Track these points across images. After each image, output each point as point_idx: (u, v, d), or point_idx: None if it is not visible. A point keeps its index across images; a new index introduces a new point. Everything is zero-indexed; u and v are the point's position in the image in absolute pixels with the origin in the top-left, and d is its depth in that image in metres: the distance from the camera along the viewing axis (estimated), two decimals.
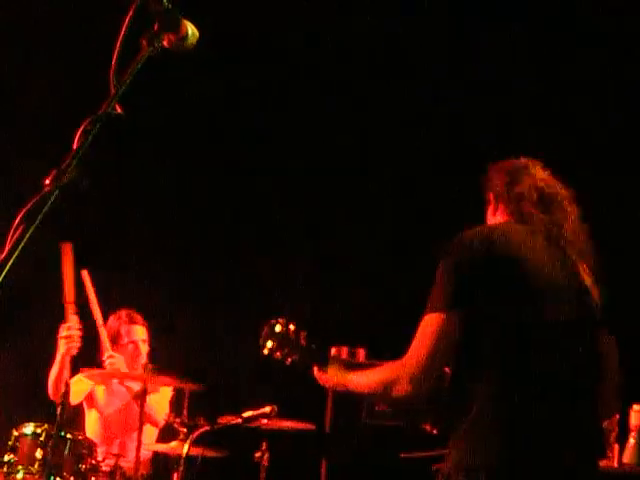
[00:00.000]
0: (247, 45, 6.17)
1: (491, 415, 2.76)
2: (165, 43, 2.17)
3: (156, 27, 2.15)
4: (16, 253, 1.82)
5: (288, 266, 6.29)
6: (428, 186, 6.08)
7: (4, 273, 1.80)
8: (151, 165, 6.37)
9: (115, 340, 5.52)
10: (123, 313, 5.59)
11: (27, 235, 1.83)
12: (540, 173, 3.09)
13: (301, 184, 6.38)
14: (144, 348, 5.55)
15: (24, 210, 1.86)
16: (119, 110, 2.04)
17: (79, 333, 5.20)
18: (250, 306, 6.05)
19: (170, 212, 6.48)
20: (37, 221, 1.85)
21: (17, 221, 1.84)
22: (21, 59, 6.14)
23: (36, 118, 6.10)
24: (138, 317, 5.60)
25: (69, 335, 5.17)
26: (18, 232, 1.83)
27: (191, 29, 2.20)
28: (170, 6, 2.15)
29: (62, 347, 5.21)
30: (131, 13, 2.11)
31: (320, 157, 6.29)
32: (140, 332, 5.57)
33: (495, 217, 3.09)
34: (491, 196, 3.12)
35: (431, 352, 2.79)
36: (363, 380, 3.03)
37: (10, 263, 1.81)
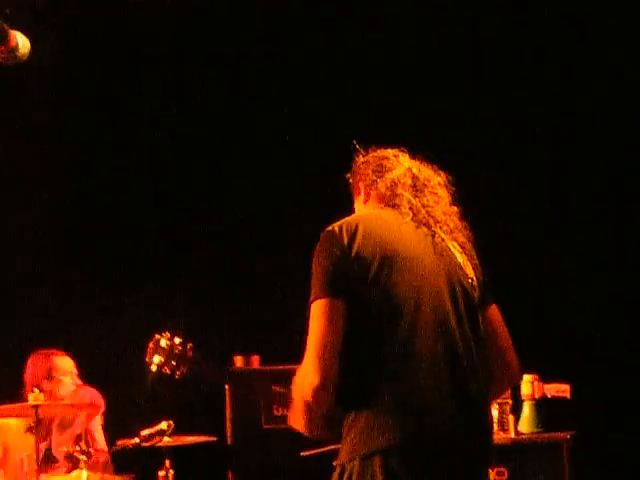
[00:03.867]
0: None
1: (377, 402, 2.78)
2: None
3: None
4: None
5: (174, 279, 6.24)
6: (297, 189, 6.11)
7: None
8: None
9: (49, 375, 5.42)
10: (46, 352, 5.50)
11: None
12: (410, 160, 3.15)
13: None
14: (75, 379, 5.47)
15: None
16: None
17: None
18: (137, 320, 5.96)
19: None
20: None
21: None
22: None
23: None
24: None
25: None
26: None
27: (21, 40, 2.13)
28: None
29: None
30: None
31: None
32: (69, 364, 5.51)
33: (366, 206, 3.13)
34: (361, 185, 3.15)
35: (322, 352, 2.78)
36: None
37: None
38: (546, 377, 5.23)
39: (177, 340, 3.20)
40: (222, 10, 6.15)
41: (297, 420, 2.86)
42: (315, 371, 2.77)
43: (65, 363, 5.52)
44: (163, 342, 3.18)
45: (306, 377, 2.79)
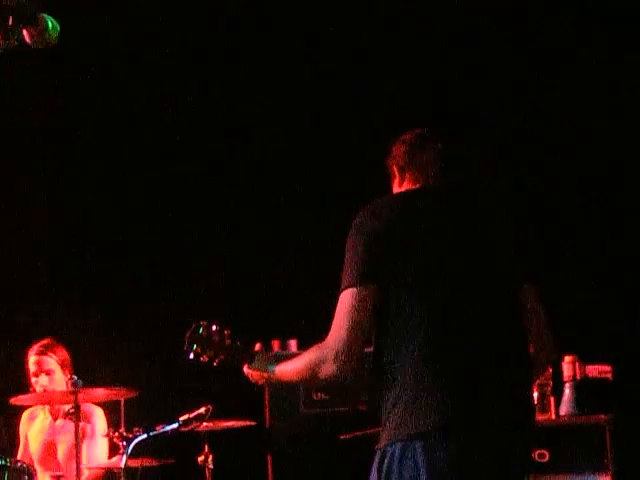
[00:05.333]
0: None
1: (417, 385, 2.78)
2: (26, 38, 2.08)
3: (11, 21, 2.07)
4: None
5: (206, 266, 6.23)
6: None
7: None
8: None
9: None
10: (35, 346, 5.46)
11: None
12: (443, 140, 3.13)
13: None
14: (59, 376, 5.37)
15: None
16: None
17: None
18: (176, 309, 5.96)
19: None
20: None
21: None
22: None
23: None
24: (51, 346, 5.44)
25: None
26: None
27: (51, 23, 2.12)
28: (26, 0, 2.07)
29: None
30: None
31: None
32: (50, 363, 5.39)
33: (402, 188, 3.12)
34: (395, 168, 3.13)
35: (350, 328, 2.82)
36: (290, 368, 3.04)
37: None
38: (587, 358, 5.18)
39: (214, 328, 3.18)
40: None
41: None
42: (338, 343, 2.81)
43: (39, 362, 5.40)
44: (201, 330, 3.17)
45: (327, 348, 2.84)
